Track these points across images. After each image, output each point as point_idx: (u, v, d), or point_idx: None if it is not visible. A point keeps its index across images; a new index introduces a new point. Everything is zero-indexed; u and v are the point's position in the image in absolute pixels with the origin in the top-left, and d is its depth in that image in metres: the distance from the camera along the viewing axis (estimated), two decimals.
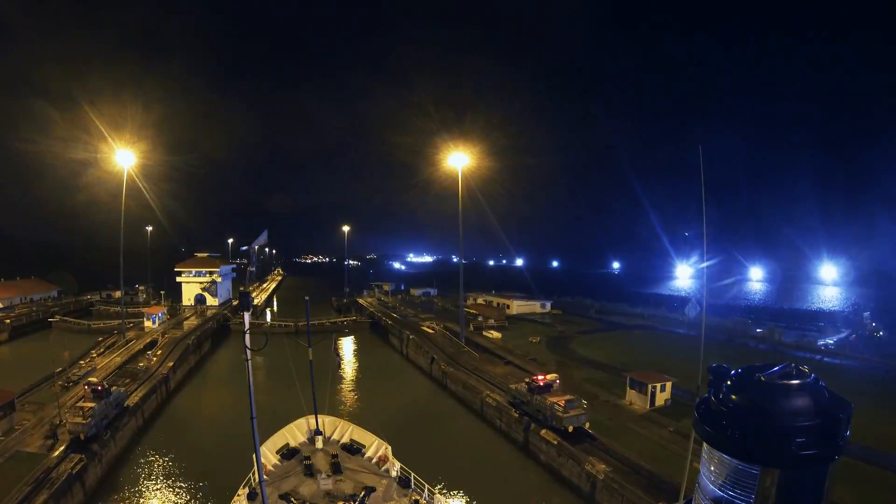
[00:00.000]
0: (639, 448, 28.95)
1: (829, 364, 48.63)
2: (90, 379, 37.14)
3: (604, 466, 26.73)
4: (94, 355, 50.79)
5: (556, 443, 30.08)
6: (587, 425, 30.97)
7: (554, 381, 34.16)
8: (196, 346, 58.33)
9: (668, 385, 36.22)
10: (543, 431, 31.40)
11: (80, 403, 30.60)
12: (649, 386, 35.69)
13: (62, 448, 27.90)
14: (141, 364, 46.45)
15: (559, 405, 30.82)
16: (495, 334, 62.73)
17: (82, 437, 28.54)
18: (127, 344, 55.64)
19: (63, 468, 25.70)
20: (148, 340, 57.11)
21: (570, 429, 30.20)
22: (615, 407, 36.23)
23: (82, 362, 47.43)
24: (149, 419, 37.86)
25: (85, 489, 26.39)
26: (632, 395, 36.95)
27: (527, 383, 34.51)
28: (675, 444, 29.28)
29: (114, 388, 34.40)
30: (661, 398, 35.98)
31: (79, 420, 28.75)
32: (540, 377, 34.05)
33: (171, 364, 47.03)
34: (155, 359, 48.42)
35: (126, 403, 34.99)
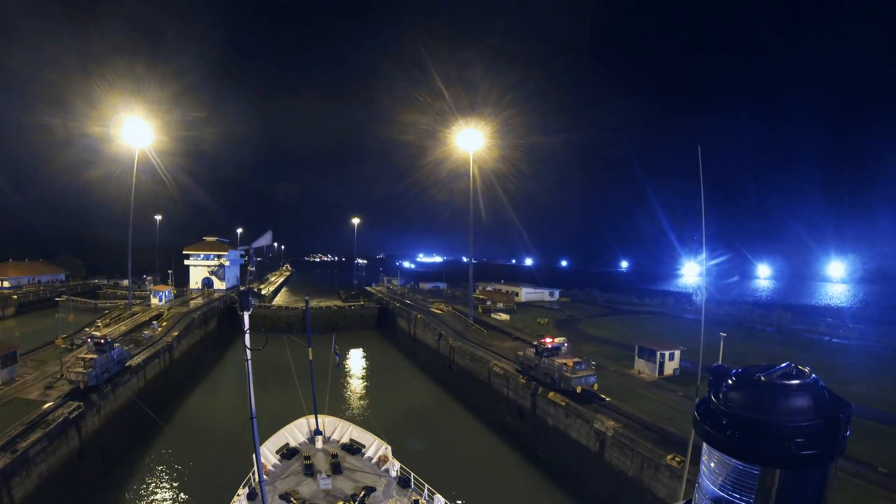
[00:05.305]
0: (648, 409, 28.17)
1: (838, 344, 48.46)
2: (93, 332, 36.91)
3: (613, 423, 25.98)
4: (100, 325, 50.77)
5: (563, 404, 29.35)
6: (595, 387, 30.24)
7: (562, 343, 33.48)
8: (202, 321, 58.15)
9: (677, 354, 35.40)
10: (551, 394, 30.68)
11: (82, 355, 30.35)
12: (658, 353, 34.88)
13: (61, 396, 27.64)
14: (146, 332, 46.28)
15: (568, 365, 30.14)
16: (504, 316, 62.09)
17: (82, 386, 28.33)
18: (132, 316, 55.61)
19: (59, 412, 25.40)
20: (154, 313, 57.06)
21: (579, 390, 29.51)
22: (623, 376, 35.37)
23: (87, 329, 47.38)
24: (150, 382, 37.55)
25: (81, 435, 26.02)
26: (640, 364, 36.12)
27: (534, 346, 33.89)
28: (685, 406, 28.47)
29: (116, 344, 34.14)
30: (670, 367, 35.15)
31: (79, 369, 28.51)
32: (548, 339, 33.41)
33: (175, 333, 46.82)
34: (160, 329, 48.26)
35: (128, 363, 34.73)
